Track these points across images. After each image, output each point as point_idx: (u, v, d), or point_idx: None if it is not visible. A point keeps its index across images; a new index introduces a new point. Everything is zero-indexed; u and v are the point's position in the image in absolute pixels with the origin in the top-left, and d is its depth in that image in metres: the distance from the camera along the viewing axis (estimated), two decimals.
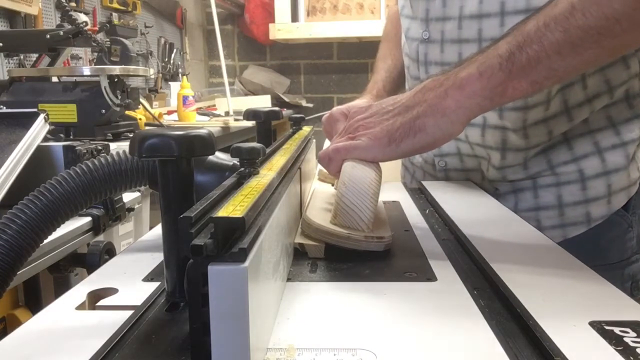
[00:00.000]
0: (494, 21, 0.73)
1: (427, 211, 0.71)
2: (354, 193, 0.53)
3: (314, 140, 0.83)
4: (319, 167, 0.80)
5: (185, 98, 2.39)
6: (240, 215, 0.31)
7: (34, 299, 0.90)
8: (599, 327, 0.37)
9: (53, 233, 0.50)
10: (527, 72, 0.54)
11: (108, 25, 2.14)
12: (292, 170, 0.54)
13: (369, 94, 0.97)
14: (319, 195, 0.68)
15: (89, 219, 0.90)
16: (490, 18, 0.73)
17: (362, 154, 0.58)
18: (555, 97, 0.74)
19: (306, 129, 0.79)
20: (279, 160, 0.51)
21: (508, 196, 0.82)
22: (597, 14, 0.51)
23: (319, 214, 0.56)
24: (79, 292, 0.46)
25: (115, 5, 2.50)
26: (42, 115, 0.91)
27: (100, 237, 0.93)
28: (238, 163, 0.45)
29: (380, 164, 0.60)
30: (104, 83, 1.51)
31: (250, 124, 2.13)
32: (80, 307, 0.43)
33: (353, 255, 0.51)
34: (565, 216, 0.78)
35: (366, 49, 3.48)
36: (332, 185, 0.75)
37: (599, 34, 0.52)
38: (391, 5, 1.11)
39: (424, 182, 0.87)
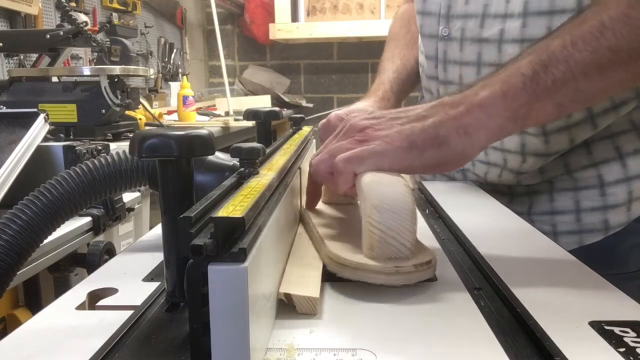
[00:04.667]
0: (517, 22, 0.70)
1: (427, 211, 0.71)
2: (391, 217, 0.43)
3: (314, 141, 0.83)
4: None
5: (185, 98, 2.39)
6: (240, 215, 0.31)
7: (34, 299, 0.90)
8: (599, 327, 0.37)
9: (53, 233, 0.50)
10: (552, 93, 0.49)
11: (108, 25, 2.14)
12: (292, 170, 0.54)
13: (373, 95, 0.90)
14: (316, 219, 0.57)
15: (89, 219, 0.90)
16: (513, 18, 0.70)
17: (379, 161, 0.49)
18: None
19: (306, 129, 0.79)
20: (279, 160, 0.51)
21: (522, 198, 0.79)
22: (629, 36, 0.48)
23: (342, 247, 0.47)
24: (79, 292, 0.46)
25: (115, 5, 2.50)
26: (42, 115, 0.91)
27: (100, 237, 0.93)
28: (238, 163, 0.45)
29: None
30: (104, 83, 1.51)
31: (250, 124, 2.13)
32: (80, 307, 0.43)
33: None
34: (582, 222, 0.75)
35: (366, 49, 3.48)
36: (323, 202, 0.64)
37: (629, 57, 0.48)
38: (400, 4, 1.08)
39: (424, 182, 0.87)
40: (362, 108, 0.84)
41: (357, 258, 0.44)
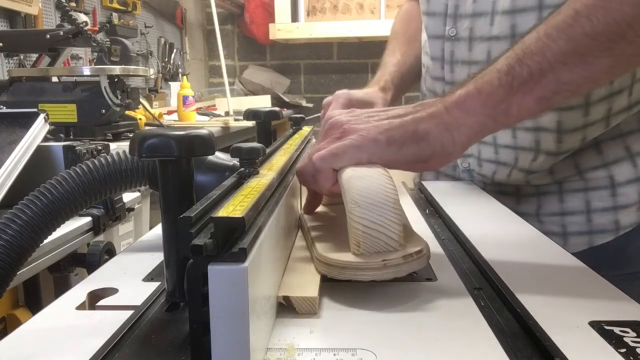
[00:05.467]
0: (531, 16, 0.69)
1: (427, 211, 0.71)
2: (372, 210, 0.43)
3: (314, 140, 0.83)
4: None
5: (185, 98, 2.39)
6: (240, 215, 0.31)
7: (34, 299, 0.90)
8: (599, 327, 0.37)
9: (53, 233, 0.50)
10: (531, 87, 0.48)
11: (108, 25, 2.14)
12: (292, 170, 0.54)
13: (376, 84, 0.91)
14: (311, 222, 0.57)
15: (89, 219, 0.90)
16: (526, 13, 0.69)
17: (354, 155, 0.48)
18: (598, 104, 0.70)
19: (306, 129, 0.79)
20: (279, 160, 0.51)
21: (530, 199, 0.79)
22: (604, 19, 0.46)
23: (333, 247, 0.46)
24: (79, 292, 0.46)
25: (115, 5, 2.50)
26: (42, 115, 0.91)
27: (100, 237, 0.93)
28: (238, 163, 0.45)
29: None
30: (104, 83, 1.51)
31: (250, 124, 2.13)
32: (80, 307, 0.43)
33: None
34: (593, 223, 0.75)
35: (366, 49, 3.48)
36: (323, 204, 0.63)
37: (609, 41, 0.46)
38: (402, 3, 1.08)
39: (424, 182, 0.87)
40: (363, 96, 0.86)
41: (344, 257, 0.43)
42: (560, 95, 0.49)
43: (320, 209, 0.62)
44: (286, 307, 0.41)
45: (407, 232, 0.47)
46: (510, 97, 0.49)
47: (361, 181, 0.45)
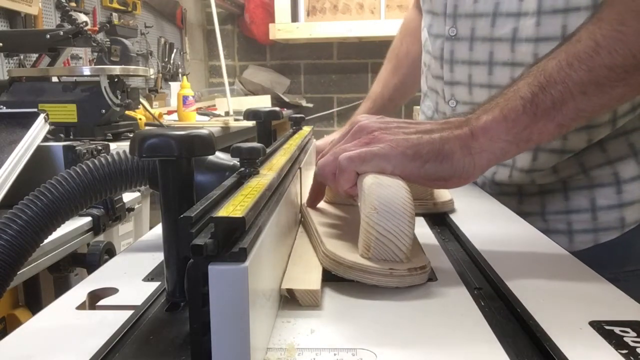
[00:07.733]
0: (530, 20, 0.69)
1: None
2: (389, 219, 0.44)
3: (314, 140, 0.83)
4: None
5: (185, 98, 2.39)
6: (241, 215, 0.31)
7: (34, 299, 0.90)
8: (599, 327, 0.37)
9: (53, 233, 0.50)
10: (553, 114, 0.50)
11: (108, 25, 2.14)
12: (292, 170, 0.54)
13: (348, 124, 0.99)
14: (316, 217, 0.58)
15: (89, 219, 0.90)
16: (527, 17, 0.70)
17: (380, 164, 0.49)
18: None
19: (306, 129, 0.79)
20: (279, 160, 0.51)
21: (533, 198, 0.78)
22: (623, 52, 0.49)
23: (340, 246, 0.48)
24: (79, 292, 0.46)
25: (115, 5, 2.50)
26: (42, 115, 0.91)
27: (100, 237, 0.93)
28: (238, 163, 0.45)
29: None
30: (104, 83, 1.51)
31: (250, 124, 2.14)
32: (81, 307, 0.43)
33: None
34: (598, 220, 0.75)
35: (366, 48, 3.49)
36: (326, 201, 0.64)
37: (625, 72, 0.50)
38: (403, 4, 1.13)
39: None
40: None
41: (353, 257, 0.45)
42: (576, 122, 0.52)
43: (324, 205, 0.63)
44: (287, 307, 0.41)
45: (414, 246, 0.48)
46: (533, 124, 0.51)
47: (383, 189, 0.46)
